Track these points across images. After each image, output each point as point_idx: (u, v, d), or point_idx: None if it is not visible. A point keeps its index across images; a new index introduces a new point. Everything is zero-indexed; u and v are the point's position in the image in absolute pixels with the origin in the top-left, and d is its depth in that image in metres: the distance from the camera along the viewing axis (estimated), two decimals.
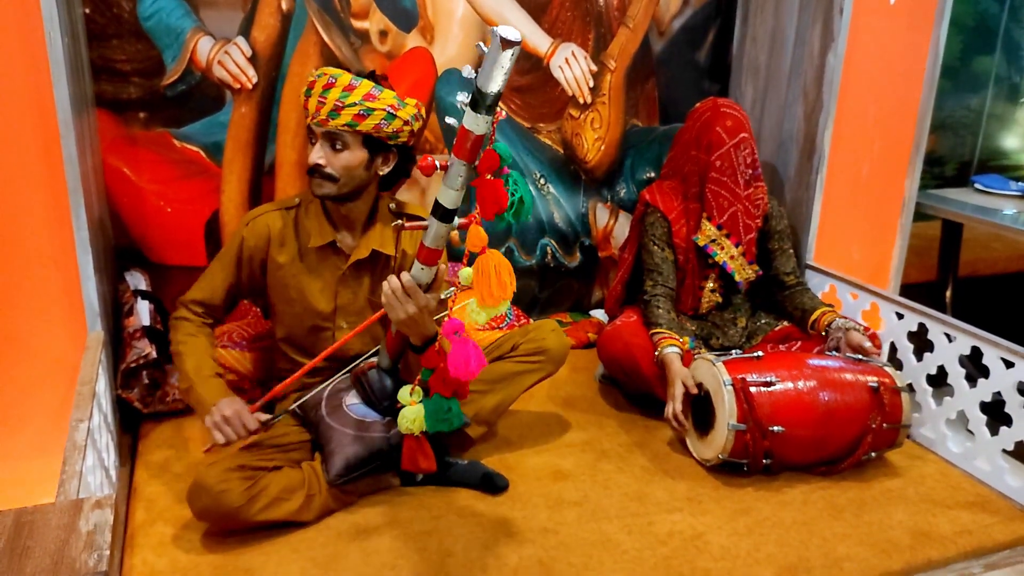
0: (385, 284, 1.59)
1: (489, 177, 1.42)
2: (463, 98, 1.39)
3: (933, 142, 3.36)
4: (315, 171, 1.77)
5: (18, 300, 1.85)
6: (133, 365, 2.01)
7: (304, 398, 1.82)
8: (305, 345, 1.92)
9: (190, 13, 2.14)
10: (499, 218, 1.44)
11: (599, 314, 2.77)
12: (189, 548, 1.62)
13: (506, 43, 1.29)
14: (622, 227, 2.79)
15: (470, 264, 1.49)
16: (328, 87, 1.71)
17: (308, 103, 1.74)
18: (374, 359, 1.82)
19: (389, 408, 1.75)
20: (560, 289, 2.79)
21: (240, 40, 2.20)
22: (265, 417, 1.77)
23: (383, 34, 2.34)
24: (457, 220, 1.52)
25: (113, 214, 2.20)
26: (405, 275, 1.58)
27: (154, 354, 2.02)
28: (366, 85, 1.72)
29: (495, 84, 1.33)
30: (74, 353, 1.92)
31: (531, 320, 2.63)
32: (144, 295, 2.14)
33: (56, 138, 1.73)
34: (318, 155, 1.76)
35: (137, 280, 2.19)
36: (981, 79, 3.72)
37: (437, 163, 1.46)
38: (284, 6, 2.21)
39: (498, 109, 1.39)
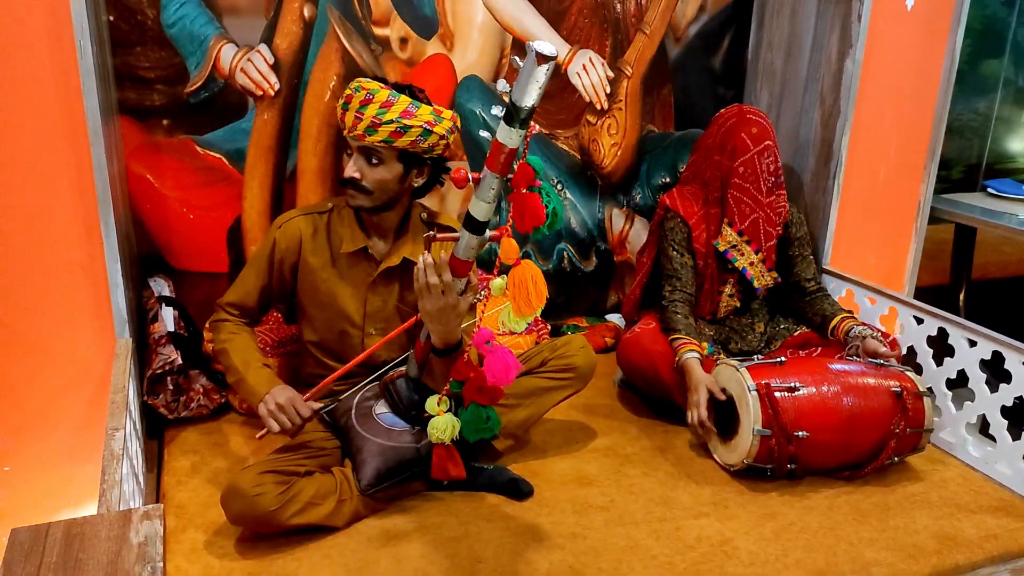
0: (419, 260, 1.56)
1: (524, 191, 1.43)
2: (498, 111, 1.41)
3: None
4: (349, 183, 1.78)
5: (46, 307, 1.86)
6: (159, 371, 2.02)
7: (330, 406, 1.83)
8: (335, 349, 1.93)
9: (213, 20, 2.15)
10: (536, 230, 1.45)
11: (615, 318, 2.78)
12: (222, 554, 1.63)
13: (542, 58, 1.30)
14: (637, 232, 2.80)
15: (502, 274, 1.51)
16: (366, 103, 1.71)
17: (345, 117, 1.74)
18: (402, 368, 1.83)
19: (417, 417, 1.77)
20: (576, 293, 2.81)
21: (263, 47, 2.21)
22: (317, 405, 1.79)
23: (403, 41, 2.35)
24: (488, 232, 1.53)
25: (136, 221, 2.21)
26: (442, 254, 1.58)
27: (180, 360, 2.04)
28: (404, 101, 1.72)
29: (530, 98, 1.35)
30: (101, 360, 1.94)
31: (548, 325, 2.64)
32: (168, 301, 2.15)
33: (84, 146, 1.75)
34: (353, 169, 1.77)
35: (160, 286, 2.20)
36: (989, 82, 3.73)
37: (470, 176, 1.47)
38: (306, 13, 2.22)
39: (531, 123, 1.40)
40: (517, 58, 1.38)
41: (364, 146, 1.75)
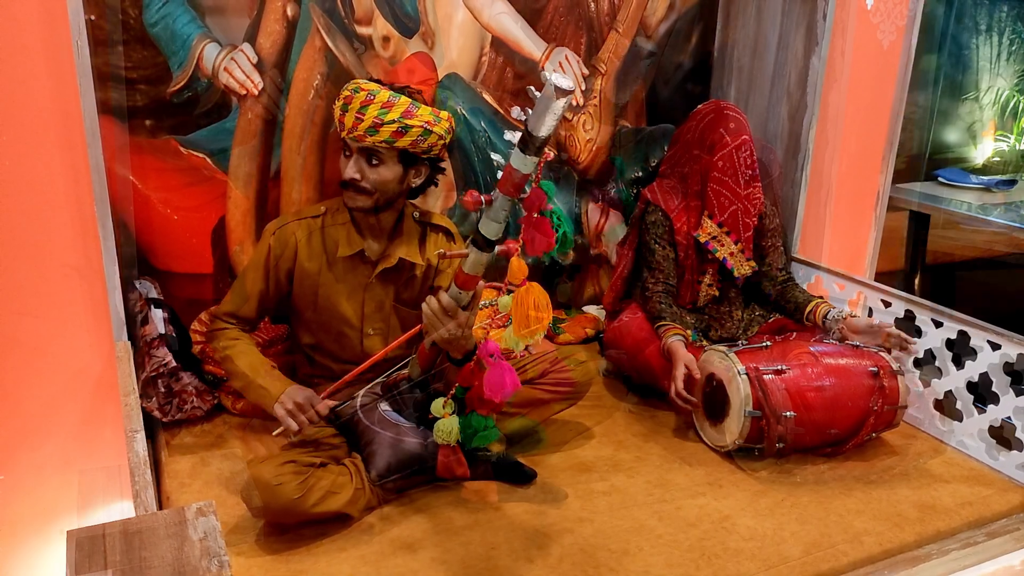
0: (425, 305, 1.63)
1: (536, 216, 1.48)
2: (511, 136, 1.45)
3: None
4: (350, 185, 1.79)
5: (42, 311, 1.82)
6: (152, 374, 2.00)
7: (344, 403, 1.85)
8: (332, 350, 1.95)
9: (196, 20, 2.13)
10: (545, 253, 1.50)
11: (593, 310, 2.85)
12: (238, 552, 1.64)
13: (560, 92, 1.35)
14: (612, 226, 2.86)
15: (511, 292, 1.56)
16: (367, 103, 1.73)
17: (344, 118, 1.75)
18: (404, 371, 1.86)
19: (421, 418, 1.80)
20: (555, 287, 2.86)
21: (246, 47, 2.19)
22: (333, 403, 1.80)
23: (385, 40, 2.37)
24: (496, 248, 1.58)
25: (119, 222, 2.18)
26: (444, 296, 1.63)
27: (173, 362, 2.02)
28: (404, 102, 1.75)
29: (546, 129, 1.39)
30: (97, 364, 1.91)
31: None
32: (156, 303, 2.13)
33: (80, 146, 1.74)
34: (353, 170, 1.79)
35: (147, 288, 2.17)
36: (928, 77, 3.92)
37: (483, 199, 1.51)
38: (289, 12, 2.22)
39: (546, 150, 1.44)
40: (533, 88, 1.42)
41: (365, 147, 1.77)
